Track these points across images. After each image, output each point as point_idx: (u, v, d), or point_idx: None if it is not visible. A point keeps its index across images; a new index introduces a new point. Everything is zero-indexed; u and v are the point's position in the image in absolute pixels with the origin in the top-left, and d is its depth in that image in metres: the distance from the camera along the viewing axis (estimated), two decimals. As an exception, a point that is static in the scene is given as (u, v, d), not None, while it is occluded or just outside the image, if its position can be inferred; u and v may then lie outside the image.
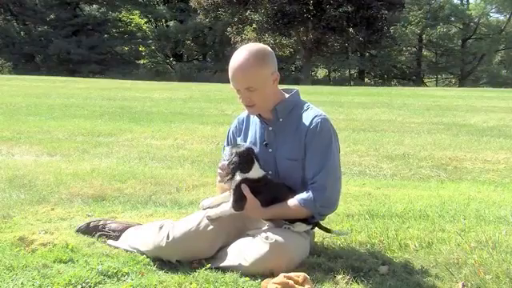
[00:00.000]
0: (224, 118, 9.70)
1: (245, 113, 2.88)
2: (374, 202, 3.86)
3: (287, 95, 2.74)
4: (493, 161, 6.08)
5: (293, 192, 2.62)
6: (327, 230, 2.76)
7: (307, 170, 2.62)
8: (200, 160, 5.75)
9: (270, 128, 2.71)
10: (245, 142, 2.80)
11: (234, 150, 2.60)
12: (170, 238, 2.57)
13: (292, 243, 2.51)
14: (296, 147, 2.64)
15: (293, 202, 2.59)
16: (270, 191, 2.60)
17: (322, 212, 2.66)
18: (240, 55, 2.57)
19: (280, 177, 2.68)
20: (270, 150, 2.70)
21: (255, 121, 2.79)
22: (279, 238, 2.47)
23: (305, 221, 2.62)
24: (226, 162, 2.60)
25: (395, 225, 3.22)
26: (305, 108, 2.71)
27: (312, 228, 2.73)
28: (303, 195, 2.58)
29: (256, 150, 2.67)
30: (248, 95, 2.59)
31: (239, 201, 2.57)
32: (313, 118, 2.64)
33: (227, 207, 2.62)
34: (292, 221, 2.60)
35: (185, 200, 3.98)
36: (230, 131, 2.92)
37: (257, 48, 2.62)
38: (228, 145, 2.91)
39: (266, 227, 2.65)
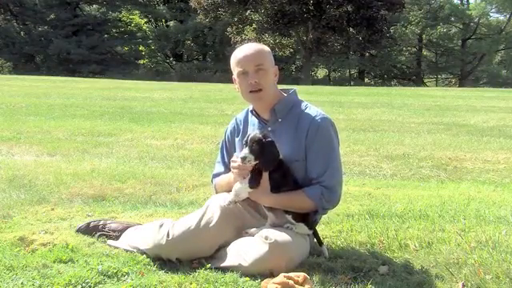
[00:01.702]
0: (224, 118, 9.68)
1: (243, 113, 2.88)
2: (374, 202, 3.85)
3: (285, 95, 2.76)
4: (493, 161, 6.08)
5: (299, 186, 2.63)
6: (319, 242, 2.75)
7: (310, 169, 2.63)
8: (200, 160, 5.75)
9: (269, 128, 2.71)
10: None
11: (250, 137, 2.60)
12: (170, 237, 2.58)
13: (292, 243, 2.50)
14: (296, 148, 2.64)
15: (300, 193, 2.60)
16: (283, 179, 2.60)
17: (326, 207, 2.69)
18: (248, 44, 2.76)
19: None
20: (270, 151, 2.69)
21: (253, 121, 2.79)
22: (279, 238, 2.46)
23: (307, 224, 2.63)
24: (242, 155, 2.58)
25: (395, 225, 3.21)
26: (303, 107, 2.72)
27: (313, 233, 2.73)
28: (312, 189, 2.60)
29: None
30: (256, 76, 2.62)
31: (255, 177, 2.57)
32: (313, 118, 2.65)
33: (241, 189, 2.60)
34: (295, 219, 2.60)
35: (185, 200, 3.98)
36: (228, 131, 2.92)
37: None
38: (225, 145, 2.91)
39: (265, 226, 2.65)
